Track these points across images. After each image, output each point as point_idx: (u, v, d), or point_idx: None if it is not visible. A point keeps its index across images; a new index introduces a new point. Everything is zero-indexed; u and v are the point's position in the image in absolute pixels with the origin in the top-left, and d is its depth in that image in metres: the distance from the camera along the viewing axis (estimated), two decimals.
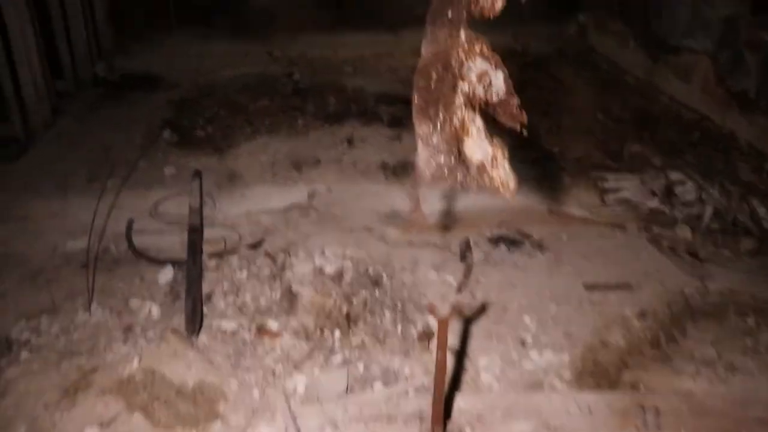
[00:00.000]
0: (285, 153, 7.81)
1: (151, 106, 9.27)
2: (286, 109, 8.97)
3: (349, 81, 10.11)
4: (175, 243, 5.89)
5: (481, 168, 3.14)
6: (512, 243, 6.09)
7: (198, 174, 6.76)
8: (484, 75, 2.95)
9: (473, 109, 3.05)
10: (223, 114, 8.84)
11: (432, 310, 3.27)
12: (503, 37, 12.19)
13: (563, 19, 13.13)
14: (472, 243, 5.87)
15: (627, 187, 6.94)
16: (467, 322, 4.94)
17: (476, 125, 3.07)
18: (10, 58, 7.84)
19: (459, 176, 3.23)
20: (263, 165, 7.53)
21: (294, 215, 6.44)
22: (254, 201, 6.73)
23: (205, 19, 13.94)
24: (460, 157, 3.18)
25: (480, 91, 2.98)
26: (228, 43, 12.57)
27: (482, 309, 5.16)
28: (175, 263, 5.58)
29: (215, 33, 13.23)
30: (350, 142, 8.05)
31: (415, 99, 3.16)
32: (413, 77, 3.09)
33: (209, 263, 5.59)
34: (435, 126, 3.10)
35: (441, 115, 3.04)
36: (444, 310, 3.22)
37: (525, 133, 2.89)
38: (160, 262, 5.65)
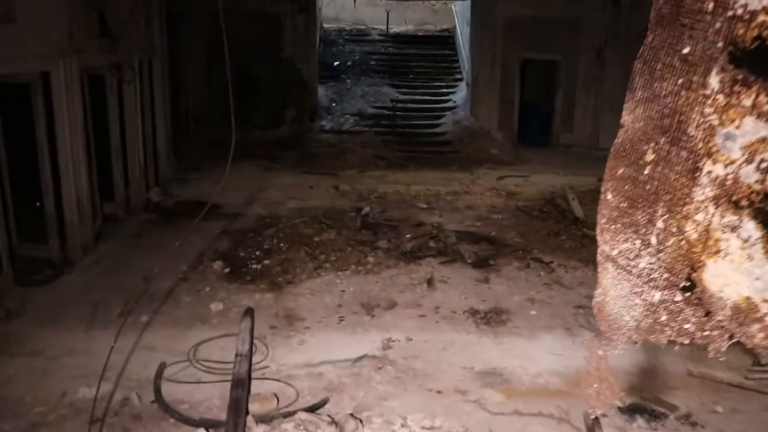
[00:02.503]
0: (353, 293, 6.61)
1: (204, 235, 8.35)
2: (355, 244, 7.89)
3: (425, 217, 9.07)
4: (215, 397, 4.66)
5: (741, 313, 1.80)
6: (652, 416, 4.59)
7: (249, 312, 5.66)
8: (760, 146, 1.70)
9: (733, 208, 1.77)
10: (284, 247, 7.80)
11: None
12: (589, 179, 11.22)
13: None
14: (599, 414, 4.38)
15: None
16: None
17: (739, 237, 1.77)
18: (56, 175, 7.08)
19: (688, 325, 1.90)
20: (328, 306, 6.32)
21: (366, 369, 5.10)
22: (316, 349, 5.46)
23: (270, 151, 13.57)
24: (694, 292, 1.86)
25: (752, 176, 1.72)
26: (291, 176, 11.96)
27: None
28: (211, 425, 4.25)
29: (279, 166, 12.71)
30: (430, 283, 6.82)
31: (608, 197, 1.92)
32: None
33: (256, 429, 4.21)
34: (646, 241, 1.81)
35: (662, 221, 1.76)
36: None
37: None
38: (192, 423, 4.33)
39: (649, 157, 1.70)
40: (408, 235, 8.07)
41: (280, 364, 5.18)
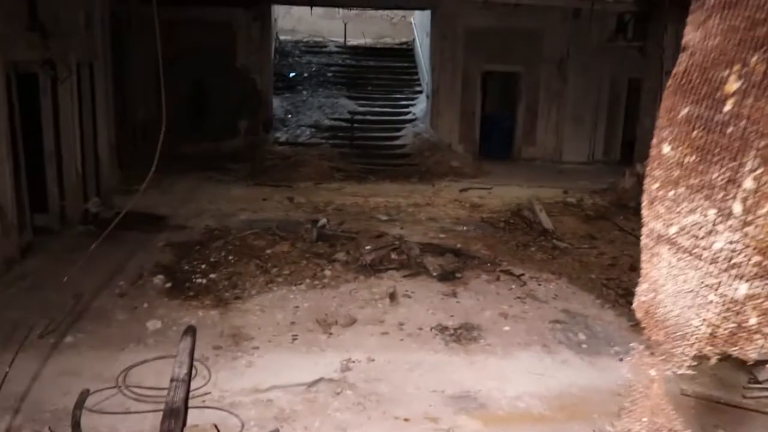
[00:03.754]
0: (308, 309, 5.99)
1: (146, 248, 7.66)
2: (310, 257, 7.27)
3: (386, 229, 8.51)
4: (145, 429, 3.99)
5: None
6: None
7: (190, 331, 4.99)
8: None
9: None
10: (232, 259, 7.14)
11: None
12: (555, 191, 10.90)
13: (607, 174, 12.26)
14: None
15: None
16: None
17: None
18: None
19: None
20: (279, 324, 5.68)
21: (322, 395, 4.48)
22: (265, 372, 4.81)
23: (223, 163, 12.90)
24: None
25: None
26: (244, 188, 11.31)
27: None
28: None
29: (231, 178, 12.03)
30: (393, 297, 6.24)
31: (665, 151, 1.37)
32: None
33: None
34: (725, 210, 1.25)
35: (752, 179, 1.21)
36: None
37: None
38: None
39: (732, 86, 1.17)
40: (368, 247, 7.48)
41: (224, 389, 4.51)
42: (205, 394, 4.45)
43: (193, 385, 4.45)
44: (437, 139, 14.58)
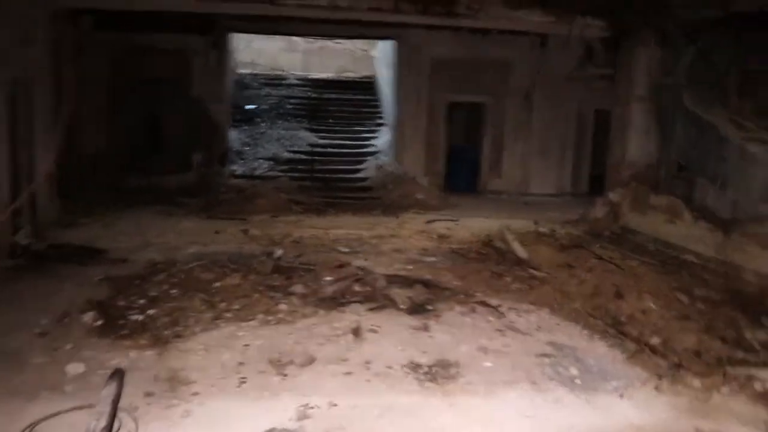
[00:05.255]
0: (260, 348, 5.22)
1: (79, 282, 6.84)
2: (264, 290, 6.51)
3: (349, 260, 7.78)
4: None
5: None
6: None
7: (117, 375, 4.18)
8: None
9: None
10: (175, 294, 6.33)
11: None
12: (525, 222, 10.39)
13: (575, 206, 11.95)
14: None
15: None
16: None
17: None
18: None
19: None
20: (225, 365, 4.89)
21: None
22: (205, 423, 4.02)
23: (175, 198, 12.11)
24: None
25: None
26: (196, 221, 10.53)
27: None
28: None
29: (183, 211, 11.24)
30: (357, 333, 5.51)
31: None
32: None
33: None
34: None
35: None
36: None
37: None
38: None
39: None
40: (328, 278, 6.75)
41: None
42: None
43: None
44: (401, 172, 14.01)
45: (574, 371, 4.81)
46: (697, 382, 4.57)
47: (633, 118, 10.67)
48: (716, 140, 8.86)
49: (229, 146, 14.58)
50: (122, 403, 4.08)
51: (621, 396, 4.37)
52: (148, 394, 4.34)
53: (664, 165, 10.37)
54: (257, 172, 14.07)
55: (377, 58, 18.03)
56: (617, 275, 7.53)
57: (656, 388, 4.51)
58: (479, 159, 14.60)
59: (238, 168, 14.19)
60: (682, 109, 9.71)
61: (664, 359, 5.04)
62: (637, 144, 10.66)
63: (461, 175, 14.50)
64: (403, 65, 14.22)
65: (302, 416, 4.09)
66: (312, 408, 4.19)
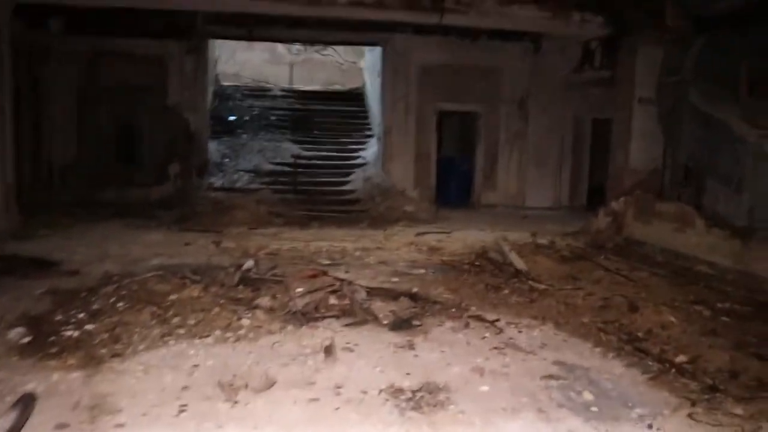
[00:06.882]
0: (211, 369, 4.36)
1: (18, 296, 6.00)
2: (226, 303, 5.66)
3: (326, 271, 6.95)
4: None
5: None
6: None
7: (24, 402, 3.31)
8: None
9: None
10: (121, 307, 5.46)
11: None
12: (521, 234, 9.60)
13: (574, 219, 11.30)
14: None
15: None
16: None
17: None
18: None
19: None
20: (166, 389, 4.03)
21: None
22: None
23: (149, 211, 11.34)
24: None
25: None
26: (165, 233, 9.71)
27: None
28: None
29: (155, 223, 10.43)
30: (328, 352, 4.65)
31: None
32: None
33: None
34: None
35: None
36: None
37: None
38: None
39: None
40: (299, 290, 5.90)
41: None
42: None
43: None
44: (389, 184, 13.23)
45: (588, 396, 3.97)
46: (739, 409, 3.74)
47: (635, 122, 9.97)
48: (729, 140, 8.14)
49: (208, 158, 13.79)
50: None
51: (650, 427, 3.53)
52: (60, 426, 3.48)
53: (669, 170, 9.65)
54: (237, 185, 13.27)
55: (365, 69, 17.38)
56: (627, 287, 6.74)
57: (690, 416, 3.68)
58: (472, 171, 13.86)
59: (217, 180, 13.38)
60: (689, 108, 9.00)
61: (694, 381, 4.21)
62: (640, 149, 9.96)
63: (453, 188, 13.75)
64: (390, 72, 13.52)
65: None
66: None
